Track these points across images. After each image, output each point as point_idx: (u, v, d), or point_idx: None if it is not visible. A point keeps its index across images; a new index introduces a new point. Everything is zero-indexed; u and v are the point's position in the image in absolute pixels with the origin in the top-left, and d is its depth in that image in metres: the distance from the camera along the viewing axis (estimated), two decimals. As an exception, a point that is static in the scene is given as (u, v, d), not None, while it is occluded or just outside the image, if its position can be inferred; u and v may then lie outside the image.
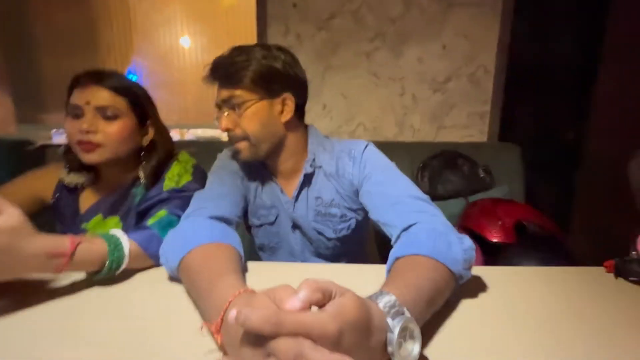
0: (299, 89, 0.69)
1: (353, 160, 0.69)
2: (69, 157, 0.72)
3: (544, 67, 1.71)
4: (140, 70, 1.80)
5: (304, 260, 0.78)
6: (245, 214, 0.77)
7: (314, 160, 0.72)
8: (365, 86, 1.59)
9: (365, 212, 0.72)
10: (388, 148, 0.75)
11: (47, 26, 1.73)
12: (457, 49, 1.57)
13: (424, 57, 1.56)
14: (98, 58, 1.73)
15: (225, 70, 0.64)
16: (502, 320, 0.42)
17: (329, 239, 0.73)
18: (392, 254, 0.47)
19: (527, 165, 1.45)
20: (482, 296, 0.48)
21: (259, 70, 0.63)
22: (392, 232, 0.57)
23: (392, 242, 0.56)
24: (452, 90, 1.60)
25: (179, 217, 0.63)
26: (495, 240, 1.05)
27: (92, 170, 0.74)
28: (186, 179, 0.72)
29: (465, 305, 0.45)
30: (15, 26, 1.74)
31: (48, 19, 1.73)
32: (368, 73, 1.59)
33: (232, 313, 0.26)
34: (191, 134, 1.96)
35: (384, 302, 0.33)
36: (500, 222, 1.08)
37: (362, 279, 0.33)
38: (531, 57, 1.67)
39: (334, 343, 0.25)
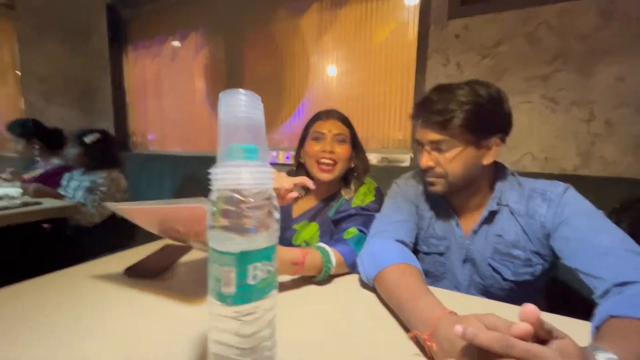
0: (507, 127, 0.68)
1: (548, 202, 0.65)
2: (298, 174, 0.98)
3: None
4: (309, 103, 2.18)
5: (469, 295, 0.78)
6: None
7: (500, 198, 0.71)
8: (538, 112, 1.43)
9: (554, 260, 0.67)
10: (567, 182, 0.67)
11: (252, 72, 2.35)
12: (684, 61, 1.22)
13: (627, 76, 1.28)
14: (283, 95, 2.20)
15: (435, 116, 0.66)
16: None
17: (504, 280, 0.71)
18: (606, 311, 0.44)
19: None
20: None
21: (468, 118, 0.64)
22: (596, 285, 0.52)
23: (595, 296, 0.51)
24: (672, 114, 1.24)
25: (365, 233, 0.76)
26: None
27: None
28: (369, 198, 0.87)
29: None
30: (234, 73, 2.42)
31: (253, 66, 2.34)
32: (542, 98, 1.42)
33: (458, 329, 0.33)
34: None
35: (604, 358, 0.33)
36: None
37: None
38: None
39: None
